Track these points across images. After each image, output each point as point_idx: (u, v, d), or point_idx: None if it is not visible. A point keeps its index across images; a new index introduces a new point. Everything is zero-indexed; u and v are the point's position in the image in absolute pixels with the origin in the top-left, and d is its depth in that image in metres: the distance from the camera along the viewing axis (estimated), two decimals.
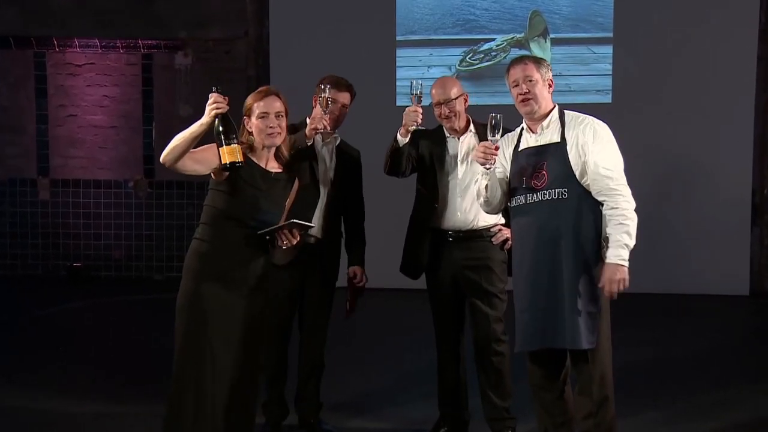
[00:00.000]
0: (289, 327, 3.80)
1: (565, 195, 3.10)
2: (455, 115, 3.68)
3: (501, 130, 3.15)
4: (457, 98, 3.68)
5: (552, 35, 7.66)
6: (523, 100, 3.20)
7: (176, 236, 8.08)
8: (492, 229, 3.70)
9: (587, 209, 3.10)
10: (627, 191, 3.11)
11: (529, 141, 3.26)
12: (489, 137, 3.14)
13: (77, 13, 8.24)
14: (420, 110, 3.50)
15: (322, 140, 3.73)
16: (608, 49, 7.60)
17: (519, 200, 3.22)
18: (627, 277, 3.03)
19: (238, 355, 3.04)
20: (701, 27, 7.42)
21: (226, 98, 2.92)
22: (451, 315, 3.78)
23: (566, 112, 3.26)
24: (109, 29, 8.23)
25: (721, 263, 7.41)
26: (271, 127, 3.07)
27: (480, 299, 3.68)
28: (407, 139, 3.57)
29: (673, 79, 7.46)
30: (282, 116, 3.11)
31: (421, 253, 3.75)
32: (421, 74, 7.68)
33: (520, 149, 3.27)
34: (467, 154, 3.70)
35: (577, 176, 3.11)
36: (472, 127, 3.76)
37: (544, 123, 3.22)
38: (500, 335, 3.68)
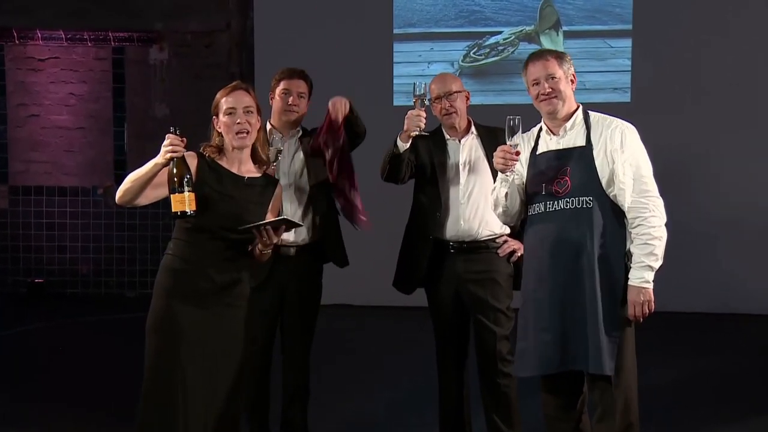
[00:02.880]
0: (270, 350, 3.82)
1: (590, 204, 3.13)
2: (456, 112, 3.74)
3: (521, 134, 3.20)
4: (458, 92, 3.74)
5: (565, 28, 7.73)
6: (544, 99, 3.23)
7: (150, 249, 8.10)
8: (497, 240, 3.75)
9: (614, 221, 3.14)
10: (658, 204, 3.14)
11: (549, 143, 3.29)
12: (507, 141, 3.19)
13: (40, 1, 8.27)
14: (423, 114, 3.54)
15: (281, 136, 3.77)
16: (627, 43, 7.65)
17: (537, 208, 3.25)
18: (652, 299, 3.09)
19: (215, 383, 3.04)
20: (731, 18, 7.46)
21: (184, 140, 2.93)
22: (453, 333, 3.82)
23: (590, 113, 3.29)
24: (75, 20, 8.26)
25: (749, 279, 7.45)
26: (238, 123, 3.05)
27: (485, 316, 3.72)
28: (408, 145, 3.61)
29: (699, 76, 7.49)
30: (251, 112, 3.08)
31: (418, 265, 3.79)
32: (420, 71, 7.73)
33: (538, 152, 3.30)
34: (469, 158, 3.76)
35: (603, 184, 3.14)
36: (473, 129, 3.82)
37: (567, 124, 3.25)
38: (507, 355, 3.71)
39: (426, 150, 3.77)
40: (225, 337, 3.07)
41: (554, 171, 3.20)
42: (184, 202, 2.88)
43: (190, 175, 2.91)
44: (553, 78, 3.22)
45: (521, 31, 7.80)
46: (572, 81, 3.29)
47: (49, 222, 8.45)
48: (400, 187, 3.91)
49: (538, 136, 3.35)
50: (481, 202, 3.71)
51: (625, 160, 3.13)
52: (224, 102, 3.09)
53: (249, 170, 3.15)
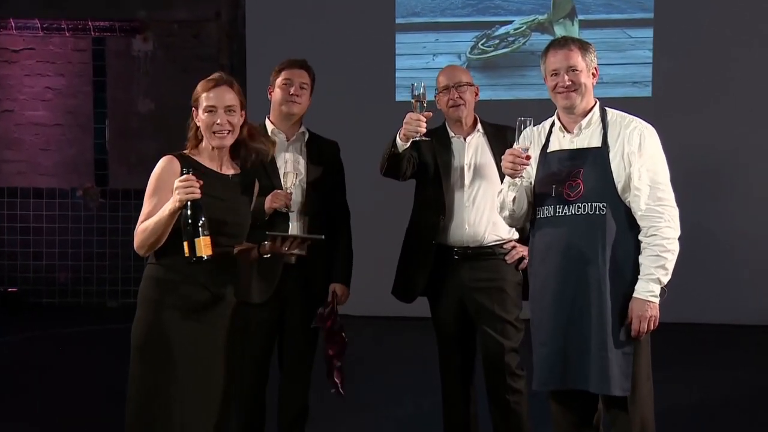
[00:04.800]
0: (267, 365, 3.84)
1: (603, 210, 3.13)
2: (465, 104, 3.77)
3: (532, 129, 3.23)
4: (468, 84, 3.77)
5: (581, 16, 7.75)
6: (563, 92, 3.22)
7: (134, 255, 7.99)
8: (505, 246, 3.77)
9: (628, 229, 3.15)
10: (673, 215, 3.14)
11: (562, 142, 3.30)
12: (517, 144, 3.20)
13: None
14: (423, 119, 3.52)
15: (287, 139, 3.79)
16: (648, 33, 7.66)
17: (546, 211, 3.26)
18: (657, 314, 3.10)
19: (209, 401, 3.05)
20: (763, 5, 7.45)
21: (200, 182, 2.89)
22: (458, 346, 3.84)
23: (608, 110, 3.29)
24: (52, 8, 8.29)
25: None
26: (218, 124, 3.03)
27: (491, 327, 3.73)
28: (408, 145, 3.61)
29: (726, 69, 7.48)
30: (234, 111, 3.06)
31: (419, 272, 3.81)
32: (425, 64, 7.76)
33: (549, 150, 3.31)
34: (474, 157, 3.79)
35: (618, 190, 3.14)
36: (479, 126, 3.85)
37: (583, 122, 3.25)
38: (516, 369, 3.74)
39: (428, 149, 3.79)
40: (218, 352, 3.08)
41: (566, 172, 3.20)
42: (209, 246, 2.88)
43: (205, 217, 2.89)
44: (574, 70, 3.21)
45: (533, 20, 7.82)
46: (594, 74, 3.29)
47: (24, 226, 8.48)
48: (400, 190, 3.92)
49: (550, 131, 3.35)
50: (487, 205, 3.73)
51: (642, 164, 3.13)
52: (204, 98, 3.06)
53: (230, 167, 3.16)
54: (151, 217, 2.95)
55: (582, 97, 3.23)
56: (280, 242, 3.11)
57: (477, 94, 3.86)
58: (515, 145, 3.20)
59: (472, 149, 3.81)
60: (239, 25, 8.16)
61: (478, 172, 3.77)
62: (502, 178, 3.70)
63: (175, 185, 2.87)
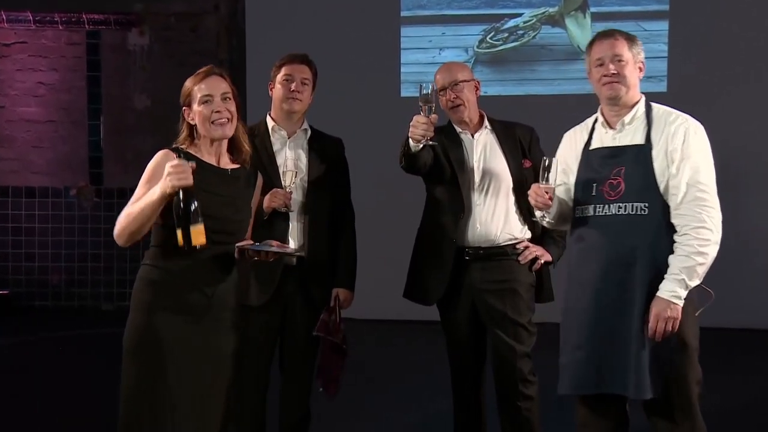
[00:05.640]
0: (267, 370, 3.84)
1: (645, 210, 3.13)
2: (464, 104, 3.76)
3: (557, 176, 3.23)
4: (465, 81, 3.76)
5: (593, 9, 7.76)
6: (607, 82, 3.21)
7: (130, 256, 8.11)
8: (518, 246, 3.77)
9: (669, 230, 3.14)
10: (714, 217, 3.10)
11: (603, 139, 3.29)
12: (542, 183, 3.21)
13: None
14: (431, 123, 3.48)
15: (288, 137, 3.79)
16: (663, 26, 7.66)
17: (586, 210, 3.26)
18: (678, 316, 3.07)
19: (206, 409, 3.04)
20: None
21: (192, 164, 2.87)
22: (470, 351, 3.84)
23: (654, 105, 3.28)
24: (45, 0, 8.28)
25: None
26: (217, 112, 3.02)
27: (503, 330, 3.73)
28: (421, 146, 3.56)
29: (746, 63, 7.48)
30: (229, 98, 3.05)
31: (437, 274, 3.78)
32: (431, 58, 7.76)
33: (591, 147, 3.31)
34: (484, 154, 3.79)
35: (661, 189, 3.13)
36: (487, 123, 3.85)
37: (626, 118, 3.24)
38: (528, 375, 3.73)
39: (441, 145, 3.76)
40: (216, 358, 3.07)
41: (607, 171, 3.20)
42: (203, 234, 2.86)
43: (198, 207, 2.87)
44: (620, 60, 3.21)
45: (544, 13, 7.83)
46: (640, 68, 3.28)
47: (16, 226, 8.49)
48: (406, 189, 3.90)
49: (593, 128, 3.34)
50: (498, 204, 3.74)
51: (683, 161, 3.11)
52: (197, 90, 3.04)
53: (227, 163, 3.14)
54: (138, 203, 2.92)
55: (626, 89, 3.22)
56: (253, 253, 3.07)
57: (478, 89, 3.85)
58: (540, 183, 3.21)
59: (481, 146, 3.81)
60: (239, 19, 8.18)
61: (487, 170, 3.77)
62: (512, 174, 3.74)
63: (166, 171, 2.84)
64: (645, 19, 7.68)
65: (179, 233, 2.86)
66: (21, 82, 8.43)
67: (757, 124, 7.46)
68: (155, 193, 2.86)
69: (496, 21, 7.86)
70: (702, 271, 3.09)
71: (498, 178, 3.75)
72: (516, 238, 3.77)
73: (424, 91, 3.44)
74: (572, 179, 3.33)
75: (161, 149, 3.07)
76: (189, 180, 2.84)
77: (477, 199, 3.76)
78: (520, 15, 7.86)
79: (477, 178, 3.77)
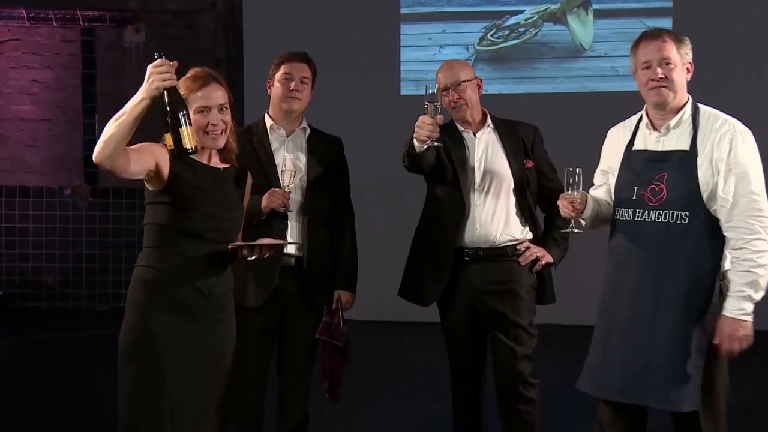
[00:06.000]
0: (265, 372, 3.84)
1: (686, 220, 3.10)
2: (467, 104, 3.76)
3: (581, 186, 3.21)
4: (467, 81, 3.76)
5: (595, 6, 7.75)
6: (654, 87, 3.16)
7: (125, 257, 8.13)
8: (519, 247, 3.77)
9: (711, 240, 3.10)
10: (766, 226, 3.05)
11: (648, 141, 3.26)
12: (567, 192, 3.21)
13: None
14: (436, 123, 3.47)
15: (287, 135, 3.80)
16: (667, 23, 7.63)
17: (625, 214, 3.24)
18: (750, 333, 3.05)
19: (204, 410, 3.04)
20: None
21: (174, 64, 2.79)
22: (470, 353, 3.84)
23: (701, 108, 3.23)
24: None
25: None
26: (213, 125, 3.02)
27: (503, 332, 3.74)
28: (425, 147, 3.54)
29: (748, 61, 7.47)
30: (226, 109, 3.06)
31: (435, 275, 3.79)
32: (431, 56, 7.77)
33: (634, 148, 3.28)
34: (485, 153, 3.79)
35: (704, 198, 3.09)
36: (489, 121, 3.85)
37: (672, 122, 3.20)
38: (528, 377, 3.74)
39: (444, 144, 3.73)
40: (215, 357, 3.08)
41: (649, 175, 3.17)
42: (188, 137, 2.80)
43: (186, 108, 2.83)
44: (668, 63, 3.16)
45: (545, 10, 7.82)
46: (688, 69, 3.25)
47: (10, 226, 8.48)
48: (406, 189, 3.89)
49: (637, 127, 3.31)
50: (499, 204, 3.74)
51: (730, 172, 3.07)
52: (194, 99, 3.02)
53: (217, 162, 3.15)
54: (122, 110, 2.81)
55: (674, 94, 3.18)
56: (248, 251, 3.07)
57: (481, 87, 3.85)
58: (567, 192, 3.21)
59: (483, 145, 3.81)
60: (236, 16, 8.18)
61: (489, 169, 3.77)
62: (514, 175, 3.73)
63: (148, 73, 2.76)
64: (648, 15, 7.64)
65: (168, 138, 2.81)
66: (15, 80, 8.42)
67: (760, 121, 7.42)
68: (137, 98, 2.78)
69: (497, 18, 7.86)
70: (765, 282, 3.06)
71: (499, 178, 3.75)
72: (516, 239, 3.77)
73: (430, 91, 3.43)
74: (612, 180, 3.33)
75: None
76: (173, 79, 2.78)
77: (477, 199, 3.76)
78: (521, 12, 7.85)
79: (478, 177, 3.77)
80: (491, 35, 7.86)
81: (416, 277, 3.89)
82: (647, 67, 3.18)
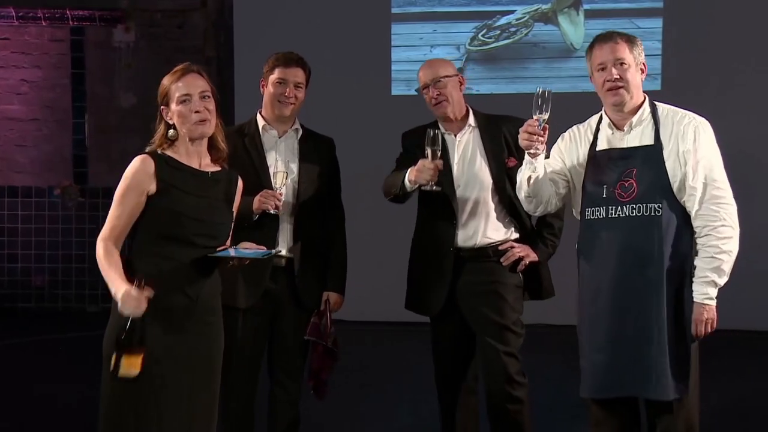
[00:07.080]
0: (256, 374, 3.85)
1: (659, 211, 3.19)
2: (447, 100, 3.76)
3: (550, 108, 3.25)
4: (448, 77, 3.77)
5: (586, 6, 7.78)
6: (611, 89, 3.25)
7: None
8: (501, 247, 3.78)
9: (685, 230, 3.21)
10: (730, 212, 3.18)
11: (612, 140, 3.34)
12: (534, 115, 3.25)
13: None
14: (437, 169, 3.55)
15: (279, 136, 3.80)
16: (657, 23, 7.68)
17: (597, 213, 3.30)
18: (715, 317, 3.17)
19: (192, 414, 3.03)
20: None
21: (150, 292, 2.84)
22: (455, 354, 3.86)
23: (658, 105, 3.33)
24: None
25: None
26: (197, 112, 3.01)
27: (487, 333, 3.75)
28: (416, 187, 3.64)
29: (741, 61, 7.48)
30: (208, 97, 3.05)
31: (438, 282, 3.79)
32: (422, 56, 7.75)
33: (598, 149, 3.35)
34: (464, 154, 3.80)
35: (674, 189, 3.20)
36: (471, 120, 3.85)
37: (634, 119, 3.29)
38: (515, 376, 3.74)
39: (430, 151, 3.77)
40: (203, 362, 3.07)
41: (618, 172, 3.25)
42: (122, 366, 2.80)
43: (143, 337, 2.84)
44: (622, 64, 3.25)
45: (536, 10, 7.84)
46: (642, 69, 3.33)
47: None
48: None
49: (598, 128, 3.38)
50: (477, 205, 3.75)
51: (697, 161, 3.18)
52: (175, 89, 3.05)
53: (208, 164, 3.14)
54: (109, 270, 2.91)
55: (630, 94, 3.26)
56: (237, 262, 3.10)
57: (463, 84, 3.86)
58: (533, 116, 3.24)
59: (462, 147, 3.81)
60: (226, 15, 8.18)
61: (467, 171, 3.78)
62: (492, 176, 3.75)
63: (122, 299, 2.81)
64: (638, 16, 7.69)
65: (113, 358, 2.81)
66: (3, 79, 8.42)
67: (752, 121, 7.47)
68: (114, 288, 2.86)
69: (488, 18, 7.87)
70: (728, 268, 3.17)
71: (477, 180, 3.76)
72: (496, 241, 3.77)
73: (432, 141, 3.52)
74: (573, 177, 3.39)
75: (145, 149, 3.08)
76: (143, 309, 2.82)
77: (457, 201, 3.76)
78: (512, 12, 7.87)
79: (456, 178, 3.78)
80: (482, 35, 7.87)
81: (420, 287, 3.89)
82: (602, 69, 3.27)
